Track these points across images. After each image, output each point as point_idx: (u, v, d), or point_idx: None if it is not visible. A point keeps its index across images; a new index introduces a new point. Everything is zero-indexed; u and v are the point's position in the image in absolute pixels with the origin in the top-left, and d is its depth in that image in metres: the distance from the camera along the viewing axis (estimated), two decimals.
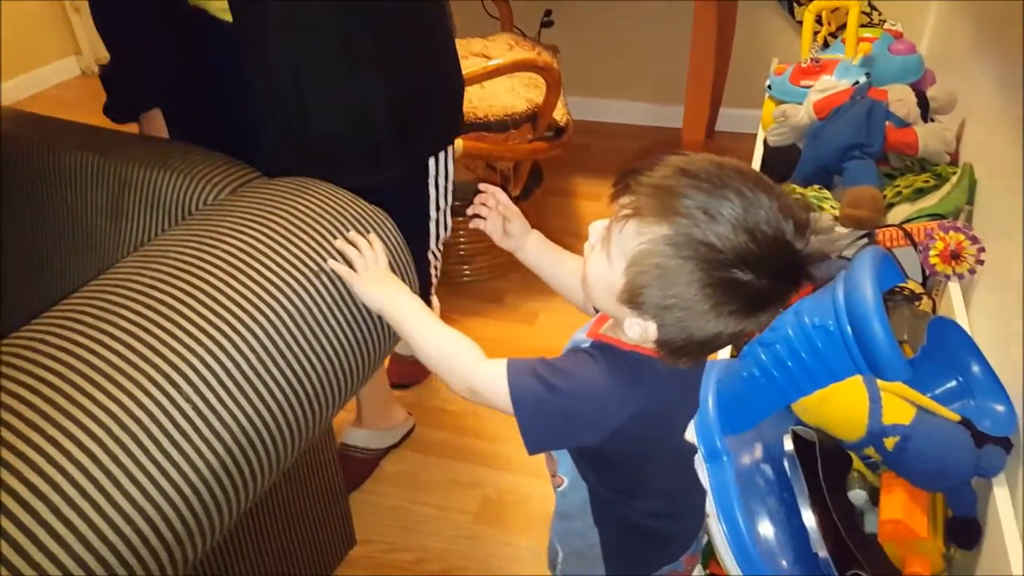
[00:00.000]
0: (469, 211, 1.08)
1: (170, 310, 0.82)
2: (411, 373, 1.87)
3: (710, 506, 1.01)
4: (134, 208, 1.14)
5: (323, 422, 0.94)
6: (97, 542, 0.70)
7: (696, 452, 1.01)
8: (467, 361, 0.87)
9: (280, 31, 1.13)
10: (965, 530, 1.06)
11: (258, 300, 0.86)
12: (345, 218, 1.00)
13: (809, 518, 1.07)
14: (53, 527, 0.69)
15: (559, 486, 0.97)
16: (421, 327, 0.92)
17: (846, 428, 1.06)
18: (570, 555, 1.05)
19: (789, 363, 0.93)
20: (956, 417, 1.06)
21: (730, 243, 0.71)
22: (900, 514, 1.03)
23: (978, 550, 1.08)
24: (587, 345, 0.87)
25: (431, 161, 1.35)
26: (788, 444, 1.12)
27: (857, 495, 1.10)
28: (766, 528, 1.05)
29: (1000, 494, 1.03)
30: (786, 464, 1.09)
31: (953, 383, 1.14)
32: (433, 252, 1.46)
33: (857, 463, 1.13)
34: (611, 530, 0.99)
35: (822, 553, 1.04)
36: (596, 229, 0.82)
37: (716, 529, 1.00)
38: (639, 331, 0.79)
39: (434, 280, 1.51)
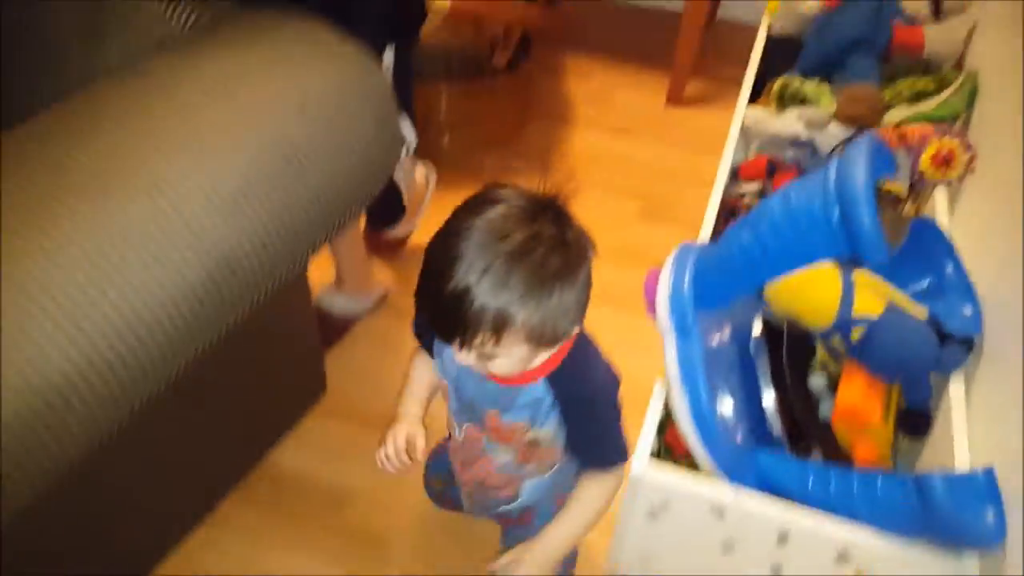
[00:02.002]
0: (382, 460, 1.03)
1: (154, 125, 0.80)
2: (387, 246, 1.85)
3: (674, 378, 1.03)
4: (109, 29, 1.08)
5: (303, 258, 0.94)
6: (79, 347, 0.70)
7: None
8: (604, 498, 0.99)
9: None
10: (916, 421, 1.10)
11: (242, 126, 0.84)
12: (323, 50, 0.96)
13: (768, 397, 1.10)
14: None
15: (510, 502, 1.06)
16: (578, 529, 1.00)
17: (817, 315, 1.07)
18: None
19: (771, 242, 0.93)
20: (924, 314, 1.08)
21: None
22: (857, 400, 1.06)
23: (925, 440, 1.12)
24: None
25: None
26: (757, 327, 1.14)
27: (817, 381, 1.13)
28: (725, 403, 1.07)
29: (955, 389, 1.06)
30: (751, 346, 1.11)
31: (927, 283, 1.16)
32: None
33: (820, 352, 1.15)
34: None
35: (776, 430, 1.09)
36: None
37: (678, 401, 1.02)
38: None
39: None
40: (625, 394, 0.98)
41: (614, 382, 0.94)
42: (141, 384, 0.78)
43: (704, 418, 1.01)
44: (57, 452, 0.73)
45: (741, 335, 1.13)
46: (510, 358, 0.81)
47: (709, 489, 1.00)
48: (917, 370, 1.09)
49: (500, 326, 0.76)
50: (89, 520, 1.03)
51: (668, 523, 1.06)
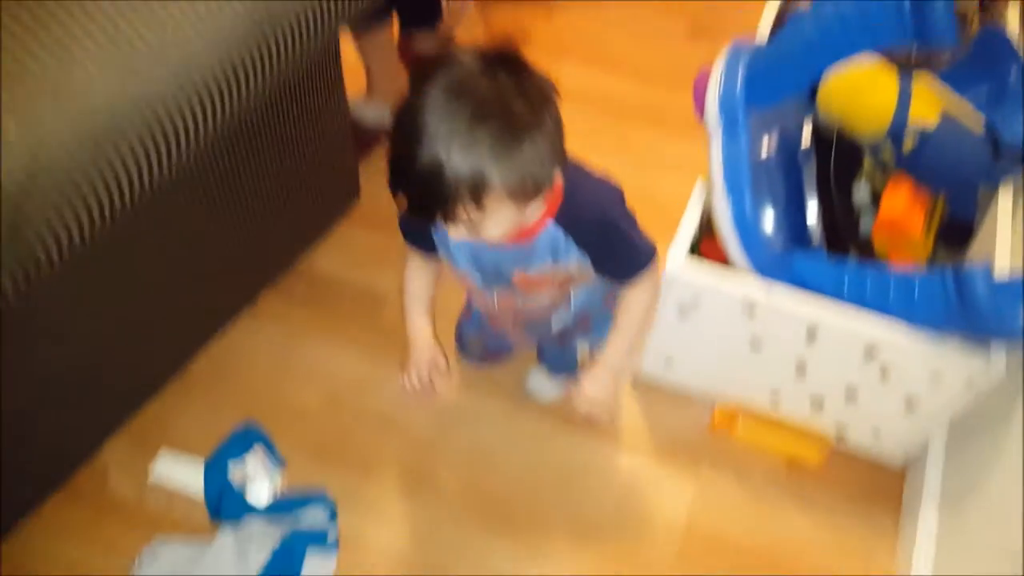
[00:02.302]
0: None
1: None
2: (420, 56, 1.78)
3: (717, 179, 1.02)
4: None
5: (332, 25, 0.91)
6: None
7: None
8: (647, 302, 0.96)
9: None
10: (959, 232, 1.09)
11: None
12: None
13: (812, 207, 1.09)
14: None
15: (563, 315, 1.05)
16: (631, 336, 0.97)
17: (871, 120, 1.03)
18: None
19: (835, 25, 0.88)
20: (981, 123, 1.04)
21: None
22: (900, 211, 1.05)
23: (963, 254, 1.12)
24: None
25: None
26: (806, 135, 1.11)
27: (861, 194, 1.11)
28: (767, 210, 1.07)
29: (1003, 200, 1.04)
30: (799, 156, 1.09)
31: (988, 91, 1.11)
32: None
33: (868, 165, 1.13)
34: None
35: (817, 236, 1.08)
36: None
37: (720, 202, 1.01)
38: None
39: None
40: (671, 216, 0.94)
41: (616, 196, 0.92)
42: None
43: (745, 221, 1.00)
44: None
45: (789, 143, 1.10)
46: (499, 221, 0.79)
47: (743, 286, 1.01)
48: (967, 182, 1.07)
49: (478, 191, 0.74)
50: (144, 303, 1.07)
51: (698, 321, 1.09)
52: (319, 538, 1.07)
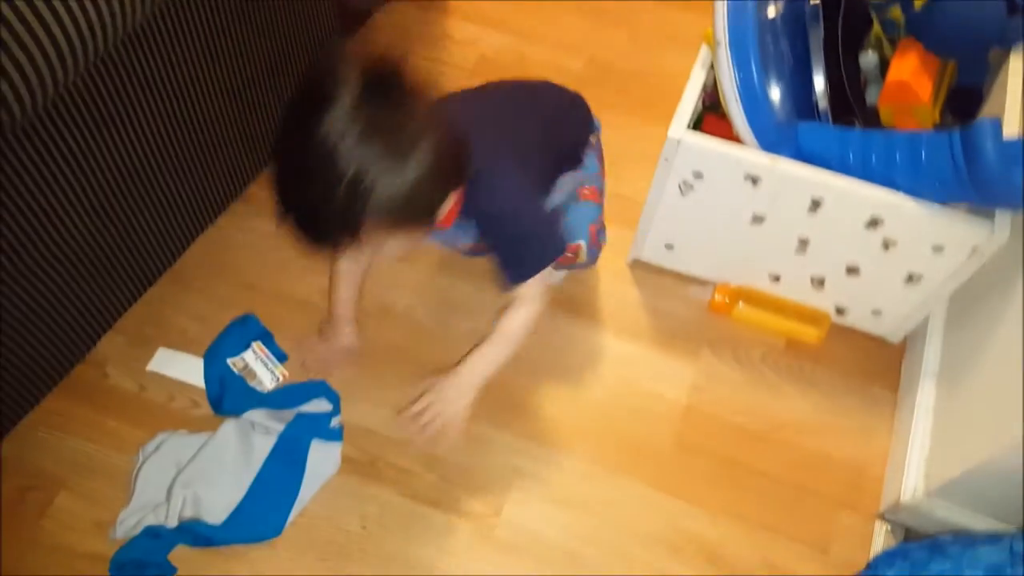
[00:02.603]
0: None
1: None
2: None
3: (722, 44, 0.97)
4: None
5: None
6: None
7: None
8: (525, 329, 0.97)
9: None
10: (967, 99, 1.06)
11: None
12: None
13: (819, 72, 1.05)
14: None
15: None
16: (502, 355, 0.98)
17: None
18: None
19: None
20: None
21: None
22: (908, 76, 1.01)
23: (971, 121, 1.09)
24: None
25: None
26: None
27: (868, 59, 1.08)
28: (773, 76, 1.03)
29: (1015, 62, 1.00)
30: (807, 14, 1.04)
31: None
32: None
33: (876, 28, 1.08)
34: None
35: (823, 104, 1.05)
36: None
37: (724, 65, 0.97)
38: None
39: None
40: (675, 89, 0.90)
41: (529, 197, 0.93)
42: None
43: (751, 86, 0.97)
44: None
45: (797, 2, 1.05)
46: (390, 245, 0.83)
47: (747, 155, 0.98)
48: (978, 45, 1.03)
49: (355, 235, 0.77)
50: (135, 192, 1.04)
51: (700, 198, 1.06)
52: (323, 428, 1.07)
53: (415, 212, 0.79)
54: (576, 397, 1.14)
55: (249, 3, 1.09)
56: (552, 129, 1.06)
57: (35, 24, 0.75)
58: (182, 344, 1.15)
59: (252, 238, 1.27)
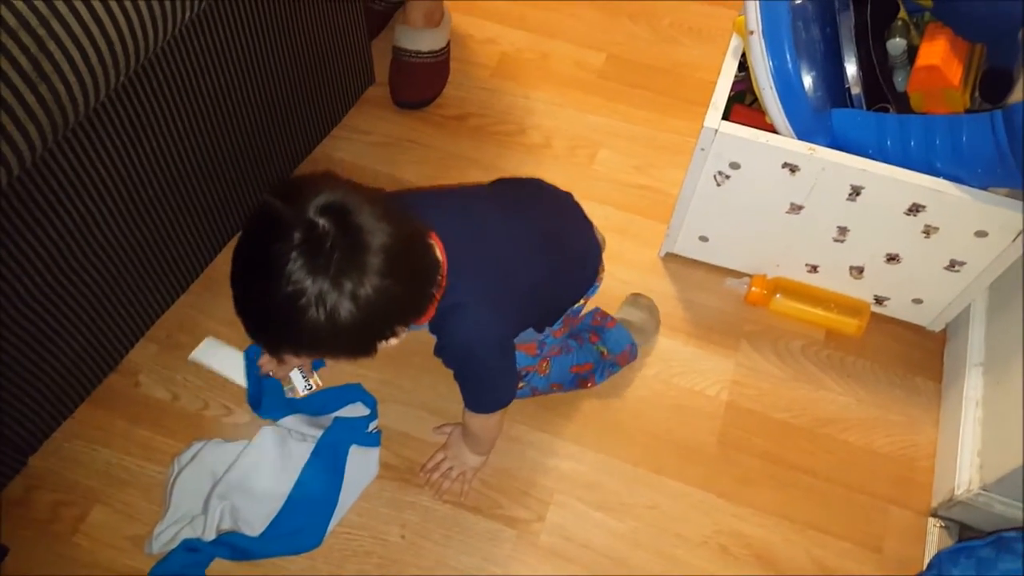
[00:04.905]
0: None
1: None
2: None
3: (756, 32, 0.96)
4: None
5: None
6: None
7: None
8: (489, 427, 1.01)
9: None
10: (998, 82, 1.04)
11: None
12: None
13: (851, 58, 1.04)
14: None
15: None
16: (490, 439, 1.04)
17: None
18: None
19: None
20: None
21: None
22: (938, 60, 1.00)
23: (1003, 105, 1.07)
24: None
25: None
26: None
27: (897, 44, 1.06)
28: (806, 63, 1.01)
29: None
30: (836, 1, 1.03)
31: None
32: None
33: (903, 15, 1.07)
34: None
35: (856, 90, 1.03)
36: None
37: (758, 56, 0.96)
38: None
39: None
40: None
41: (493, 338, 0.89)
42: None
43: (786, 76, 0.95)
44: None
45: None
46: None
47: (786, 144, 0.97)
48: (1008, 26, 1.01)
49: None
50: (167, 202, 1.03)
51: (735, 189, 1.04)
52: (361, 433, 1.05)
53: (346, 349, 0.81)
54: (614, 395, 1.12)
55: (281, 11, 1.08)
56: (550, 284, 0.98)
57: (77, 30, 0.74)
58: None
59: None
